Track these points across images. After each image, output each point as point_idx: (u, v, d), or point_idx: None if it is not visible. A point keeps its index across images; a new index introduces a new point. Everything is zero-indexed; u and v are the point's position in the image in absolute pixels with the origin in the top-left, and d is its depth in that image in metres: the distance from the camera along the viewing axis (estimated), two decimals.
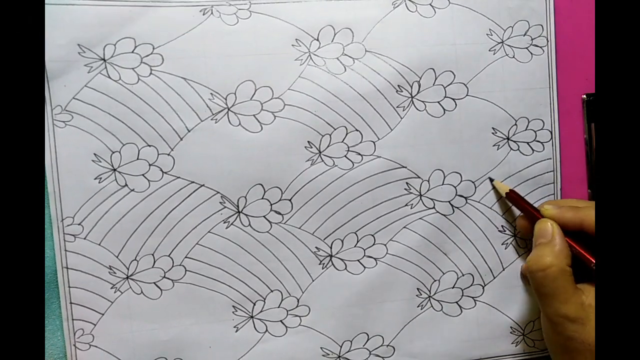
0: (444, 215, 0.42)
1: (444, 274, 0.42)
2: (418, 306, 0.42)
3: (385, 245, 0.42)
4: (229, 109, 0.39)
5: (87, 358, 0.38)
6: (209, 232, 0.39)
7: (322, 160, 0.40)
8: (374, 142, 0.41)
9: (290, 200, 0.40)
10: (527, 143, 0.43)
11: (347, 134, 0.41)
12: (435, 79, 0.42)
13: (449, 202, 0.42)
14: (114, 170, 0.38)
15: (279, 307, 0.40)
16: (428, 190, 0.42)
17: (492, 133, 0.42)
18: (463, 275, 0.43)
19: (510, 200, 0.42)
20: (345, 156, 0.41)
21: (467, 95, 0.42)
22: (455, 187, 0.42)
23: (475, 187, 0.42)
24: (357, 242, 0.41)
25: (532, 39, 0.43)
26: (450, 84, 0.42)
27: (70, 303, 0.38)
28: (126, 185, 0.38)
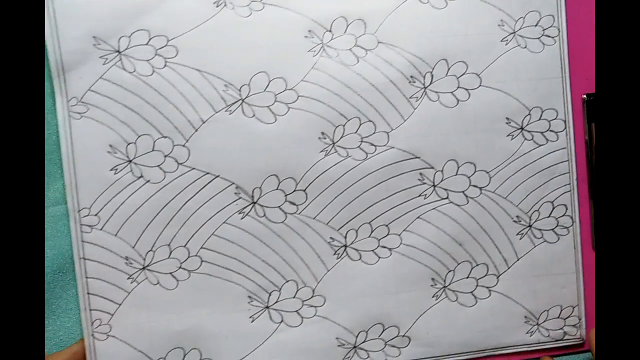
0: (458, 205, 0.41)
1: (458, 264, 0.42)
2: (433, 296, 0.41)
3: (399, 235, 0.41)
4: (243, 101, 0.38)
5: (104, 348, 0.37)
6: (224, 222, 0.38)
7: (336, 151, 0.40)
8: (387, 133, 0.40)
9: (304, 190, 0.39)
10: (541, 133, 0.42)
11: (360, 125, 0.40)
12: (448, 69, 0.41)
13: (463, 192, 0.41)
14: (130, 161, 0.37)
15: (294, 297, 0.40)
16: (442, 181, 0.41)
17: (506, 123, 0.42)
18: (477, 265, 0.42)
19: None
20: (359, 147, 0.40)
21: (480, 85, 0.41)
22: (469, 177, 0.41)
23: (490, 178, 0.41)
24: (372, 232, 0.40)
25: (543, 30, 0.42)
26: (463, 74, 0.41)
27: (88, 294, 0.37)
28: (142, 176, 0.37)
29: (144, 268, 0.38)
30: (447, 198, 0.41)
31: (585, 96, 0.42)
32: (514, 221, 0.42)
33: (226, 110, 0.38)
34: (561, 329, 0.43)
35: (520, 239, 0.42)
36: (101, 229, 0.37)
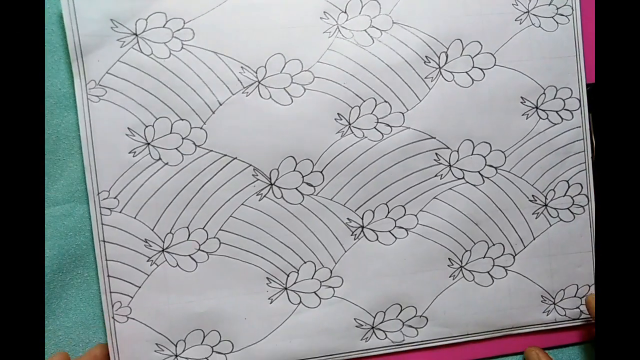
0: (474, 185, 0.41)
1: (475, 243, 0.41)
2: (450, 276, 0.41)
3: (415, 215, 0.41)
4: (259, 82, 0.38)
5: (125, 330, 0.38)
6: (242, 204, 0.38)
7: (352, 132, 0.39)
8: (402, 113, 0.40)
9: (321, 172, 0.39)
10: (556, 112, 0.42)
11: (376, 106, 0.40)
12: (463, 49, 0.40)
13: (478, 172, 0.41)
14: (148, 144, 0.37)
15: (312, 278, 0.40)
16: (457, 161, 0.41)
17: (521, 102, 0.41)
18: (494, 244, 0.42)
19: None
20: (374, 127, 0.40)
21: (494, 65, 0.41)
22: (484, 157, 0.41)
23: (506, 157, 0.41)
24: (388, 213, 0.40)
25: (557, 8, 0.42)
26: (478, 54, 0.41)
27: (108, 276, 0.37)
28: (160, 159, 0.37)
29: (163, 250, 0.38)
30: (463, 178, 0.41)
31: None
32: (530, 200, 0.42)
33: (243, 92, 0.38)
34: (577, 307, 0.43)
35: (536, 218, 0.42)
36: (120, 212, 0.37)
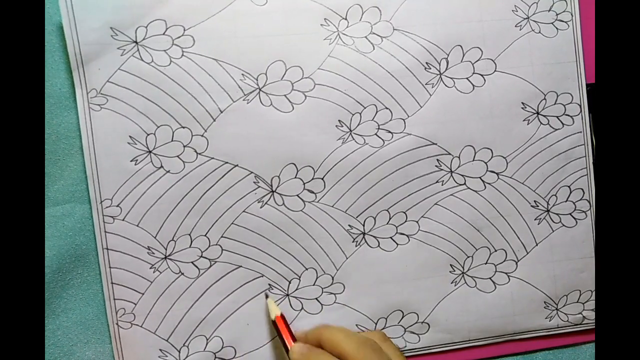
0: (476, 191, 0.39)
1: (476, 250, 0.39)
2: (452, 282, 0.39)
3: (417, 222, 0.38)
4: (260, 89, 0.36)
5: (129, 336, 0.36)
6: (243, 211, 0.36)
7: (353, 139, 0.37)
8: (403, 120, 0.38)
9: (322, 179, 0.37)
10: (557, 117, 0.40)
11: (377, 112, 0.37)
12: (463, 55, 0.38)
13: (480, 178, 0.39)
14: (150, 152, 0.35)
15: (314, 284, 0.38)
16: (459, 167, 0.39)
17: (522, 108, 0.39)
18: (496, 250, 0.39)
19: (274, 326, 0.36)
20: (375, 134, 0.38)
21: (495, 71, 0.39)
22: (486, 162, 0.39)
23: (507, 163, 0.39)
24: (389, 219, 0.38)
25: (556, 14, 0.40)
26: (478, 60, 0.39)
27: (112, 283, 0.35)
28: (162, 166, 0.35)
29: (165, 257, 0.36)
30: (464, 184, 0.39)
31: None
32: (532, 206, 0.39)
33: (244, 100, 0.36)
34: (580, 313, 0.41)
35: (539, 223, 0.40)
36: (123, 220, 0.35)
